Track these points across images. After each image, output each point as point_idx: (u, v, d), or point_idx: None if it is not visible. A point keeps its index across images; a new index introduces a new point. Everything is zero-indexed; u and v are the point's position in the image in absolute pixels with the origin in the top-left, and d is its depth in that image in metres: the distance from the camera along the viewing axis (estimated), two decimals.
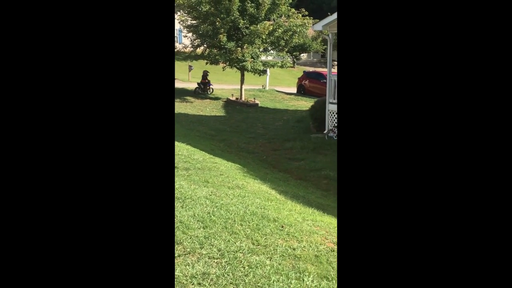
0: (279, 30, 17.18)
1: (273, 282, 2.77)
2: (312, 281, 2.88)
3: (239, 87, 19.03)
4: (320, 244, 3.61)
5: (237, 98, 18.72)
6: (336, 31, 12.16)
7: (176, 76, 19.84)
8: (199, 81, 19.72)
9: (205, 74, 19.66)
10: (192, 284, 2.64)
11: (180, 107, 16.74)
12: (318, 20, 13.13)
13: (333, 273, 3.07)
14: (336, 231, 4.19)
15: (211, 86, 19.78)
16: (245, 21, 16.95)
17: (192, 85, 20.17)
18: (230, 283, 2.69)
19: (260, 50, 17.83)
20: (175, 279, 2.64)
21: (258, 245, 3.35)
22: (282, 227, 3.88)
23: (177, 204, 4.09)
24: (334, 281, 2.93)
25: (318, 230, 4.07)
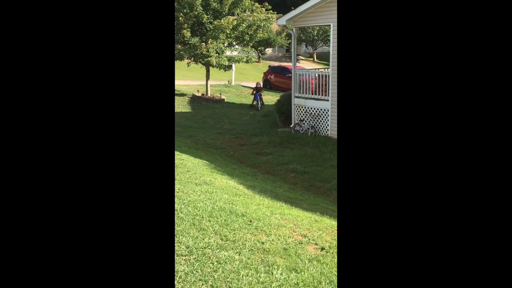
0: (243, 25, 17.15)
1: (242, 276, 2.78)
2: (281, 274, 2.91)
3: (204, 82, 18.90)
4: (288, 237, 3.64)
5: (203, 94, 18.59)
6: (299, 25, 12.26)
7: None
8: None
9: (256, 87, 17.22)
10: None
11: None
12: (282, 15, 13.18)
13: (302, 265, 3.11)
14: (304, 226, 4.23)
15: (258, 102, 16.76)
16: (209, 16, 16.82)
17: None
18: (199, 280, 2.68)
19: (225, 45, 17.75)
20: None
21: (227, 241, 3.34)
22: (251, 221, 3.89)
23: None
24: (302, 273, 2.96)
25: (286, 223, 4.10)
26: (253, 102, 17.11)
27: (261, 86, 17.75)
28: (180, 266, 2.81)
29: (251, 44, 18.97)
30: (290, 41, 27.60)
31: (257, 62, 27.69)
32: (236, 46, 18.89)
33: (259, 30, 17.80)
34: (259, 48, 30.85)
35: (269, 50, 34.95)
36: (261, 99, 16.93)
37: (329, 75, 11.07)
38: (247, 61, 18.62)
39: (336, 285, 2.88)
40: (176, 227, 3.47)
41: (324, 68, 13.40)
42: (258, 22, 17.35)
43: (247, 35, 17.61)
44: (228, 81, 22.56)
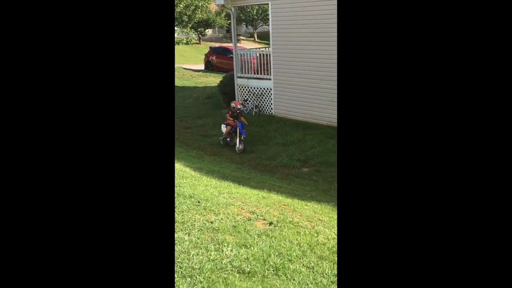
0: (181, 5, 16.83)
1: (192, 256, 2.80)
2: (231, 250, 2.96)
3: None
4: (237, 215, 3.70)
5: None
6: (238, 5, 12.16)
7: None
8: None
9: (235, 109, 9.14)
10: None
11: None
12: None
13: (251, 240, 3.17)
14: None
15: (238, 138, 8.83)
16: None
17: None
18: None
19: None
20: None
21: (176, 223, 3.34)
22: (199, 202, 3.90)
23: None
24: (252, 248, 3.03)
25: (234, 201, 4.15)
26: (226, 136, 9.11)
27: (240, 108, 9.30)
28: None
29: (190, 25, 18.66)
30: (229, 21, 27.33)
31: (197, 43, 27.25)
32: (175, 28, 18.50)
33: (198, 11, 17.54)
34: (198, 30, 30.34)
35: (209, 31, 34.48)
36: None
37: (270, 54, 11.14)
38: (187, 43, 18.35)
39: (285, 256, 2.98)
40: None
41: (265, 47, 13.45)
42: (196, 2, 17.09)
43: (185, 16, 17.31)
44: None
